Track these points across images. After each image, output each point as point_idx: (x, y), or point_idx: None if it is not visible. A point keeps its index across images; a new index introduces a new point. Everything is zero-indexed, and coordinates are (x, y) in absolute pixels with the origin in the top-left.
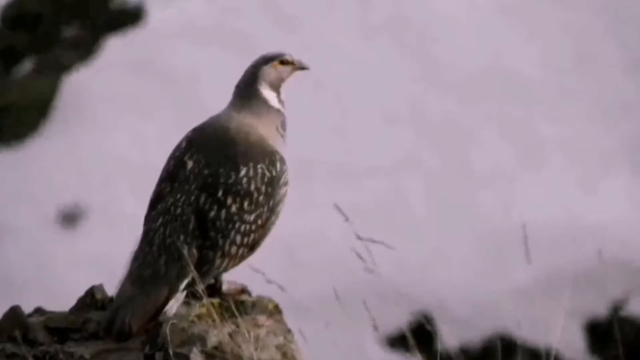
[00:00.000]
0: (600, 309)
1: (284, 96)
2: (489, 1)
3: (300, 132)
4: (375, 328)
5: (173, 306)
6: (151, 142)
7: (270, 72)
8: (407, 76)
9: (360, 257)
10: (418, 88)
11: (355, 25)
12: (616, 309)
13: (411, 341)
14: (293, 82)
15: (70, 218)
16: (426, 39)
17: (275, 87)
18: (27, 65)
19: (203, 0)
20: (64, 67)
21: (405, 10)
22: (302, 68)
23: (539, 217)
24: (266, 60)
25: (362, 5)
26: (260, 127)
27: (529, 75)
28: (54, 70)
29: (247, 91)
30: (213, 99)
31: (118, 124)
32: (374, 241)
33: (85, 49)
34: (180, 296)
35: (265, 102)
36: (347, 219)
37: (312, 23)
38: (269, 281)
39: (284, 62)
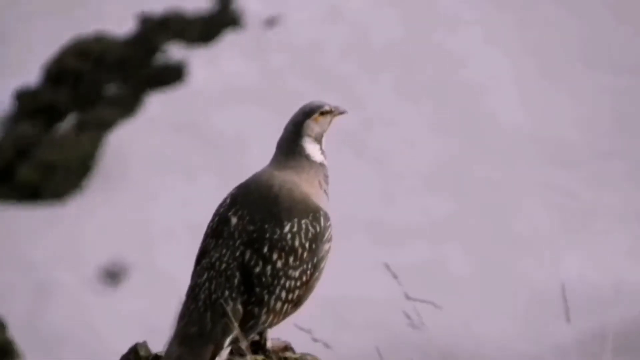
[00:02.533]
0: None
1: (324, 146)
2: (530, 63)
3: (344, 193)
4: None
5: None
6: (192, 203)
7: (312, 125)
8: (451, 139)
9: (409, 317)
10: (461, 151)
11: (399, 88)
12: None
13: None
14: (339, 143)
15: (112, 276)
16: (469, 102)
17: (318, 140)
18: (69, 123)
19: (245, 59)
20: (106, 125)
21: (449, 74)
22: (340, 113)
23: (581, 280)
24: (307, 114)
25: (406, 68)
26: (303, 184)
27: (570, 138)
28: (96, 128)
29: (289, 147)
30: (255, 159)
31: (159, 183)
32: (422, 301)
33: (127, 106)
34: (224, 353)
35: (307, 157)
36: (396, 278)
37: (355, 85)
38: (315, 339)
39: (323, 113)
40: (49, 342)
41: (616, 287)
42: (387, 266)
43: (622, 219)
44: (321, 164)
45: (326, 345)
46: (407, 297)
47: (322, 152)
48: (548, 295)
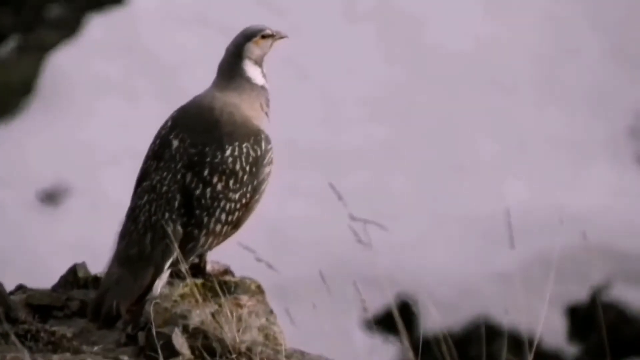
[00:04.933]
0: (581, 294)
1: (266, 70)
2: None
3: (285, 116)
4: (366, 309)
5: (158, 286)
6: (134, 125)
7: (253, 48)
8: (394, 66)
9: (357, 235)
10: (404, 78)
11: (341, 12)
12: (597, 294)
13: (399, 322)
14: (278, 70)
15: (51, 198)
16: (411, 27)
17: (259, 63)
18: (10, 46)
19: None
20: (47, 47)
21: (391, 2)
22: (282, 37)
23: (522, 204)
24: (248, 36)
25: None
26: (244, 106)
27: (513, 64)
28: (37, 50)
29: (230, 70)
30: (197, 82)
31: (100, 105)
32: (367, 221)
33: (68, 28)
34: (164, 276)
35: (248, 80)
36: (340, 199)
37: (297, 9)
38: (259, 259)
39: (265, 37)
40: None
41: (558, 214)
42: (332, 186)
43: (563, 146)
44: (262, 87)
45: (269, 266)
46: (352, 218)
47: (264, 76)
48: (490, 222)
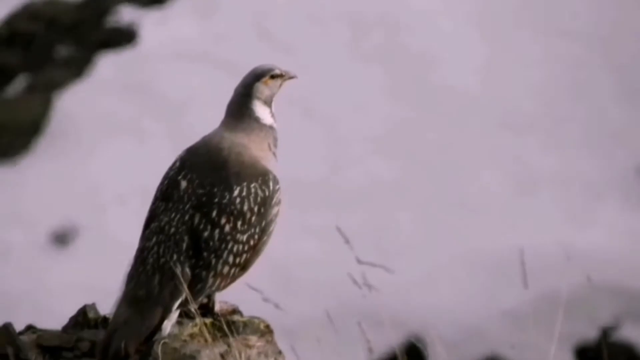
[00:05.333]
0: (590, 333)
1: (274, 109)
2: (481, 29)
3: (291, 155)
4: (371, 350)
5: (167, 326)
6: (142, 166)
7: (262, 88)
8: (401, 103)
9: (356, 283)
10: (411, 115)
11: (348, 51)
12: (606, 333)
13: None
14: (285, 109)
15: (61, 238)
16: (418, 64)
17: (268, 103)
18: (19, 84)
19: (196, 23)
20: (56, 86)
21: (398, 40)
22: (291, 77)
23: (530, 244)
24: (257, 77)
25: (355, 32)
26: (252, 146)
27: (522, 105)
28: (46, 90)
29: (239, 110)
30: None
31: (109, 145)
32: (374, 265)
33: (77, 68)
34: (173, 316)
35: (257, 120)
36: (347, 242)
37: (304, 47)
38: (266, 299)
39: (274, 77)
40: None
41: (566, 253)
42: (338, 229)
43: (572, 185)
44: (271, 127)
45: (277, 306)
46: (359, 261)
47: (272, 115)
48: (498, 261)
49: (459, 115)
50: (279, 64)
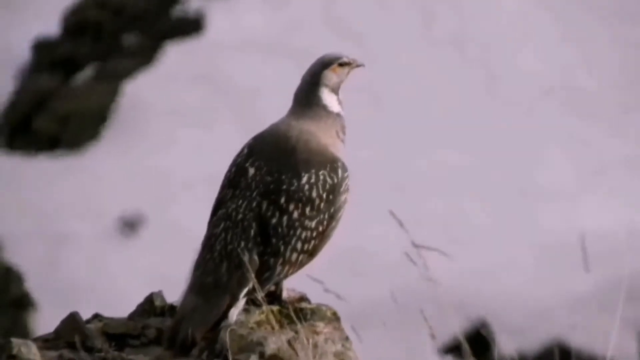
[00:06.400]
0: None
1: (342, 97)
2: (548, 16)
3: (362, 144)
4: (433, 336)
5: (234, 313)
6: (210, 153)
7: (330, 76)
8: (470, 89)
9: (413, 262)
10: (480, 102)
11: (418, 40)
12: None
13: (466, 349)
14: (355, 98)
15: (129, 226)
16: (489, 53)
17: (335, 90)
18: (87, 74)
19: (264, 12)
20: (124, 75)
21: (466, 25)
22: (358, 65)
23: (598, 230)
24: (325, 64)
25: (424, 20)
26: (320, 134)
27: (589, 90)
28: (114, 79)
29: (306, 97)
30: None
31: (177, 133)
32: (428, 248)
33: (145, 57)
34: (240, 303)
35: (325, 107)
36: (401, 225)
37: (375, 37)
38: (327, 290)
39: (342, 64)
40: (65, 293)
41: (632, 237)
42: (392, 214)
43: (639, 170)
44: (338, 114)
45: (338, 297)
46: (414, 245)
47: (340, 103)
48: (566, 246)
49: (527, 100)
50: (348, 53)
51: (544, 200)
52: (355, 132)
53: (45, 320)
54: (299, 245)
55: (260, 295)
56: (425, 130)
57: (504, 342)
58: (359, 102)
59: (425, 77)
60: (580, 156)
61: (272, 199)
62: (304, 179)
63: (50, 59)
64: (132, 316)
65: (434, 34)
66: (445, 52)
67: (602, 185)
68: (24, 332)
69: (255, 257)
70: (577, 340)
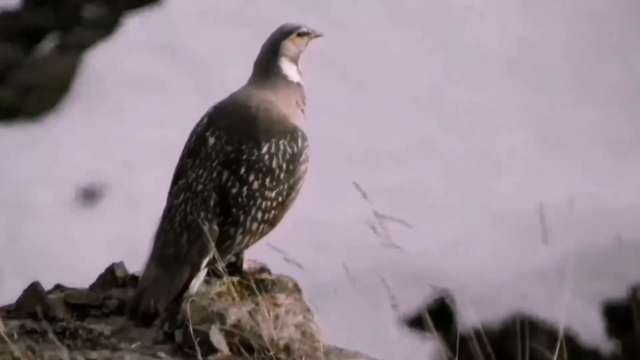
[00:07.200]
0: (620, 291)
1: (301, 67)
2: None
3: (322, 115)
4: (395, 307)
5: (195, 284)
6: (171, 123)
7: (290, 46)
8: (430, 64)
9: (375, 231)
10: (440, 76)
11: (383, 12)
12: (635, 292)
13: (428, 321)
14: (319, 67)
15: (89, 196)
16: (450, 28)
17: (295, 60)
18: (48, 45)
19: None
20: (86, 46)
21: (430, 2)
22: (317, 36)
23: (558, 201)
24: (284, 34)
25: None
26: (280, 104)
27: (550, 62)
28: (76, 49)
29: (266, 67)
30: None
31: (138, 103)
32: (391, 219)
33: (106, 28)
34: (202, 274)
35: (285, 77)
36: (365, 196)
37: (338, 8)
38: (287, 260)
39: (300, 34)
40: (27, 263)
41: (592, 208)
42: (356, 185)
43: (601, 143)
44: (298, 84)
45: (299, 266)
46: (377, 215)
47: (299, 73)
48: (527, 219)
49: (490, 75)
50: (309, 25)
51: (505, 172)
52: (318, 103)
53: (7, 290)
54: (259, 215)
55: (221, 265)
56: (387, 103)
57: (466, 315)
58: (323, 74)
59: (388, 51)
60: (538, 128)
61: (233, 168)
62: (264, 149)
63: (12, 30)
64: (93, 287)
65: (398, 6)
66: (410, 28)
67: (565, 158)
68: None
69: (215, 227)
70: (539, 312)
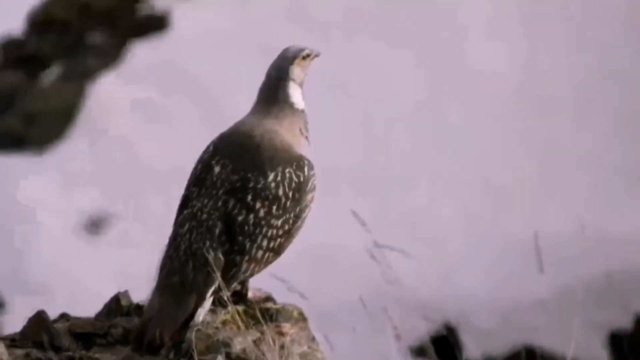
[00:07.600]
0: (623, 321)
1: (304, 91)
2: (512, 16)
3: (324, 138)
4: (398, 338)
5: (201, 313)
6: (177, 151)
7: (297, 71)
8: (431, 87)
9: (377, 261)
10: (441, 100)
11: (381, 35)
12: (639, 321)
13: (431, 352)
14: (320, 89)
15: (95, 225)
16: (451, 53)
17: (301, 85)
18: (53, 72)
19: (229, 8)
20: (90, 74)
21: (431, 22)
22: (317, 55)
23: (562, 230)
24: (290, 59)
25: (388, 14)
26: (283, 132)
27: (554, 90)
28: (80, 77)
29: (274, 94)
30: (239, 107)
31: (144, 131)
32: (391, 248)
33: (111, 55)
34: (207, 303)
35: (291, 104)
36: (364, 225)
37: (340, 32)
38: (291, 289)
39: (305, 57)
40: (33, 291)
41: (596, 237)
42: (354, 213)
43: (604, 171)
44: (302, 111)
45: (302, 296)
46: (376, 245)
47: (303, 98)
48: (527, 248)
49: (489, 98)
50: (313, 46)
51: (507, 200)
52: (318, 127)
53: (12, 319)
54: (264, 243)
55: (226, 294)
56: (388, 125)
57: (470, 345)
58: (322, 96)
59: (386, 73)
60: (539, 156)
61: (239, 197)
62: (271, 177)
63: (16, 57)
64: (98, 316)
65: (396, 28)
66: (407, 48)
67: (567, 185)
68: None
69: (220, 256)
70: (544, 343)
